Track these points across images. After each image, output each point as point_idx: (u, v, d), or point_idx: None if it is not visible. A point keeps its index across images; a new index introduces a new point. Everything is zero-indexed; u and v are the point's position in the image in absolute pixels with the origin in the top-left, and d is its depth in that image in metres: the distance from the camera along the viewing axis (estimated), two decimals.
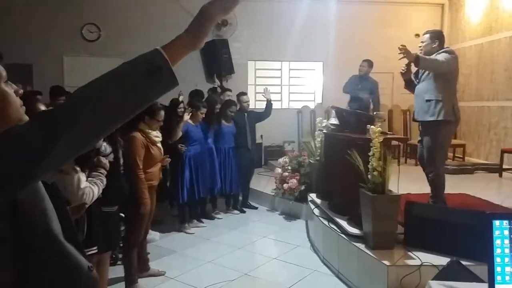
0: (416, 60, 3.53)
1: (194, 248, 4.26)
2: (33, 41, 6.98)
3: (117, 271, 3.44)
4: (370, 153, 3.00)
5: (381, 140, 2.98)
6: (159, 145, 3.43)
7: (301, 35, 7.72)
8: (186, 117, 4.48)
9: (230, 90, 5.94)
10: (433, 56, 3.67)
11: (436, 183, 3.75)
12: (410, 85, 3.97)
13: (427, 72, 3.74)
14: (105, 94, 0.76)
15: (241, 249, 4.23)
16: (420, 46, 3.81)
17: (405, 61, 3.73)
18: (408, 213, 3.10)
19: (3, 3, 7.05)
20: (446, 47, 3.79)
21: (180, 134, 4.41)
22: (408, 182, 3.96)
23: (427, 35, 3.78)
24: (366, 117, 3.76)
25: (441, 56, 3.63)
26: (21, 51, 6.88)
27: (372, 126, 3.05)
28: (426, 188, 3.92)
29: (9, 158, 0.72)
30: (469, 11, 7.58)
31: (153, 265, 3.64)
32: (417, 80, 3.89)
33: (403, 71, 3.90)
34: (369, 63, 6.31)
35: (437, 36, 3.76)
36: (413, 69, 3.90)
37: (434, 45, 3.73)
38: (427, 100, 3.69)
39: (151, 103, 0.83)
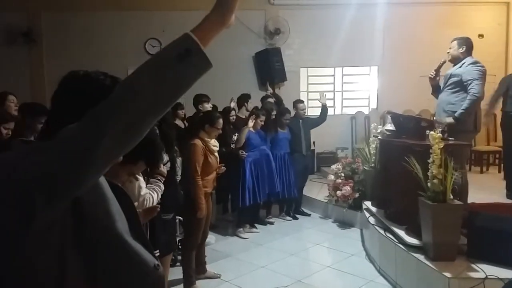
0: (457, 120, 3.61)
1: (248, 252, 4.32)
2: (100, 54, 7.50)
3: (176, 272, 3.59)
4: (430, 160, 2.90)
5: (442, 147, 2.87)
6: (216, 154, 3.56)
7: (354, 39, 7.62)
8: (250, 124, 4.70)
9: (271, 97, 6.01)
10: (469, 80, 3.65)
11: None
12: (437, 91, 3.97)
13: (449, 82, 3.78)
14: (141, 86, 0.77)
15: (294, 255, 4.23)
16: (448, 52, 3.89)
17: (434, 66, 3.92)
18: (472, 223, 2.94)
19: (72, 17, 7.65)
20: (475, 59, 3.78)
21: (243, 140, 4.65)
22: (472, 190, 3.75)
23: (455, 42, 3.88)
24: (425, 123, 3.63)
25: (471, 73, 3.65)
26: (88, 63, 7.43)
27: (432, 132, 2.95)
28: (492, 197, 3.69)
29: (62, 160, 0.76)
30: None
31: (209, 268, 3.75)
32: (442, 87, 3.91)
33: (432, 76, 3.95)
34: None
35: (464, 43, 3.83)
36: (442, 73, 3.95)
37: (462, 51, 3.82)
38: (446, 112, 3.71)
39: (188, 88, 0.82)
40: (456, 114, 3.63)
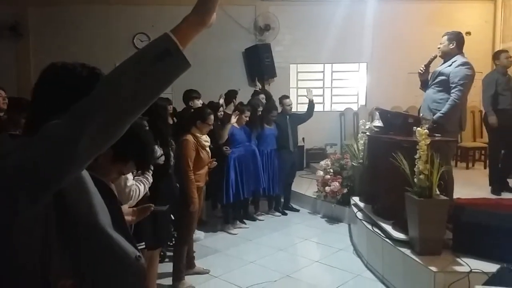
0: (437, 124, 3.59)
1: (237, 248, 4.34)
2: (87, 48, 7.38)
3: (164, 267, 3.59)
4: (417, 156, 2.93)
5: (428, 142, 2.91)
6: (208, 149, 3.60)
7: (344, 36, 7.64)
8: (233, 120, 4.64)
9: (262, 94, 5.98)
10: (453, 78, 3.63)
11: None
12: (425, 86, 3.97)
13: (436, 80, 3.77)
14: (120, 83, 0.79)
15: (282, 250, 4.25)
16: (438, 47, 3.84)
17: (424, 61, 3.87)
18: (457, 218, 3.00)
19: (59, 11, 7.53)
20: (465, 59, 3.72)
21: (226, 136, 4.59)
22: (458, 186, 3.82)
23: (445, 37, 3.81)
24: (412, 119, 3.68)
25: (458, 75, 3.60)
26: (75, 57, 7.33)
27: (419, 128, 2.99)
28: (477, 193, 3.76)
29: (46, 154, 0.78)
30: None
31: (198, 263, 3.76)
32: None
33: (422, 72, 3.91)
34: None
35: (455, 38, 3.77)
36: (431, 69, 3.93)
37: (452, 47, 3.76)
38: (431, 110, 3.71)
39: (166, 87, 0.83)
40: (434, 117, 3.64)
